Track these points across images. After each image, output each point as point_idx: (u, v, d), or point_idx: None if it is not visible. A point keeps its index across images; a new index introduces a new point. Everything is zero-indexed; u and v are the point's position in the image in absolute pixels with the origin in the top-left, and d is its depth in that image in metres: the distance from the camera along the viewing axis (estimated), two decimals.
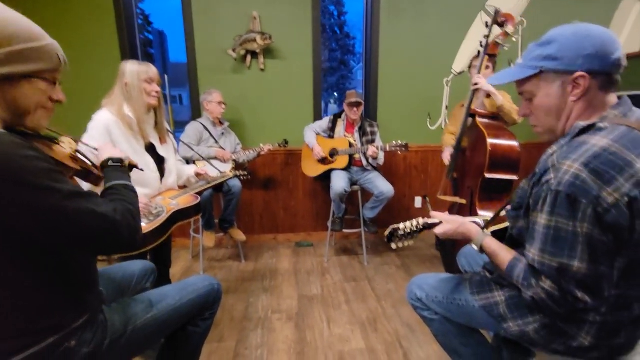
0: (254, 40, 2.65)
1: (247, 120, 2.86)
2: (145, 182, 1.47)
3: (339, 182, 2.40)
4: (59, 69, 0.75)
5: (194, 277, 1.09)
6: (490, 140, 1.86)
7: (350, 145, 2.54)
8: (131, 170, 0.96)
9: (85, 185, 1.04)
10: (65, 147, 0.84)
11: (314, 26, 2.77)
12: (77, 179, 0.90)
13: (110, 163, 0.90)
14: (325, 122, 2.68)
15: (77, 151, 0.88)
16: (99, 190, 0.87)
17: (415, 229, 1.01)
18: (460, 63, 2.89)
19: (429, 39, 2.86)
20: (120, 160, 0.92)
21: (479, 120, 2.00)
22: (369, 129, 2.59)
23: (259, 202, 3.02)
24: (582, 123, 0.77)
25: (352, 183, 2.57)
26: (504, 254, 0.88)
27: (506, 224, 1.01)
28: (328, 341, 1.76)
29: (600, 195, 0.68)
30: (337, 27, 17.37)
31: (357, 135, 2.59)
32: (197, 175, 1.72)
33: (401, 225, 1.01)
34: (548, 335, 0.85)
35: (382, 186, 2.44)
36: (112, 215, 0.70)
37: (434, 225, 1.00)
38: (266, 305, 2.09)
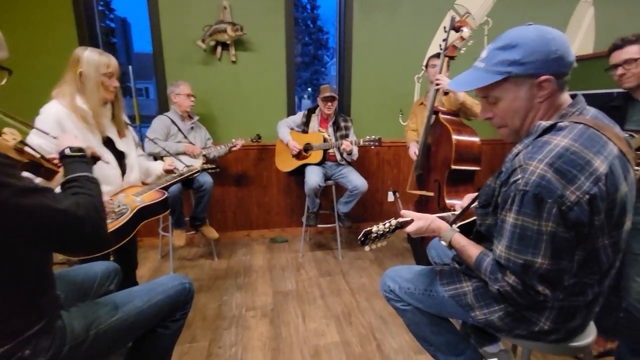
0: (225, 31, 2.57)
1: (219, 114, 2.78)
2: (106, 179, 1.36)
3: (313, 177, 2.40)
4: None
5: (164, 277, 1.05)
6: (455, 136, 1.95)
7: (325, 140, 2.54)
8: (95, 163, 0.89)
9: (37, 181, 0.96)
10: (7, 138, 0.76)
11: (286, 18, 2.72)
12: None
13: (68, 152, 0.82)
14: (299, 116, 2.65)
15: (23, 142, 0.80)
16: (53, 185, 0.81)
17: (387, 230, 1.02)
18: None
19: (401, 35, 2.90)
20: (81, 150, 0.84)
21: (442, 117, 2.08)
22: (342, 124, 2.60)
23: (232, 198, 2.95)
24: (544, 123, 0.80)
25: (326, 178, 2.57)
26: (472, 249, 0.92)
27: (472, 219, 1.05)
28: (303, 336, 1.76)
29: (564, 194, 0.71)
30: (309, 20, 17.22)
31: (331, 130, 2.59)
32: (166, 172, 1.64)
33: (374, 228, 1.02)
34: (511, 322, 0.90)
35: (355, 180, 2.46)
36: (74, 211, 0.65)
37: (406, 223, 1.02)
38: (240, 303, 2.05)
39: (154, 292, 0.95)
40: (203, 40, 2.57)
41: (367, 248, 1.03)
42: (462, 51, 2.08)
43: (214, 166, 1.97)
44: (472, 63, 0.89)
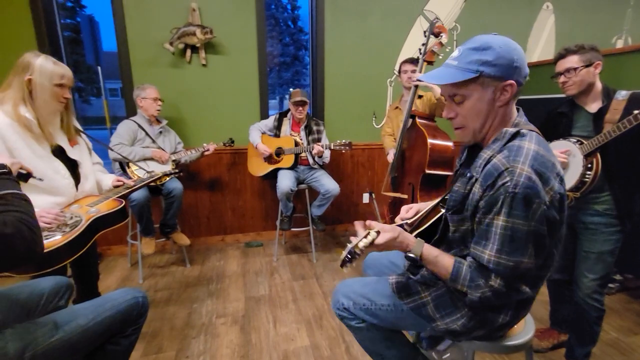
0: (194, 34, 2.53)
1: (189, 118, 2.73)
2: (56, 190, 1.31)
3: (285, 182, 2.39)
4: None
5: (116, 292, 1.02)
6: (430, 140, 1.98)
7: (296, 144, 2.53)
8: (26, 179, 0.85)
9: None
10: None
11: (258, 21, 2.70)
12: None
13: None
14: (270, 120, 2.64)
15: None
16: None
17: (369, 243, 0.89)
18: None
19: (372, 40, 2.93)
20: (3, 167, 0.80)
21: (418, 121, 2.11)
22: (315, 128, 2.60)
23: (205, 203, 2.91)
24: (510, 130, 0.84)
25: (299, 182, 2.57)
26: (446, 259, 0.89)
27: (426, 225, 1.04)
28: (273, 341, 1.76)
29: (544, 194, 0.76)
30: (290, 21, 17.15)
31: (303, 133, 2.59)
32: (115, 187, 1.56)
33: (360, 244, 0.87)
34: (474, 326, 0.92)
35: (327, 184, 2.47)
36: (1, 229, 0.63)
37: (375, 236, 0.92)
38: (211, 310, 2.03)
39: (102, 309, 0.92)
40: (171, 43, 2.52)
41: (345, 270, 0.88)
42: (440, 57, 2.09)
43: (177, 171, 1.92)
44: None
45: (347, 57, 2.91)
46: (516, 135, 0.83)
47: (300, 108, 2.51)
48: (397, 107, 2.45)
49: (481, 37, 0.84)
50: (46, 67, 1.27)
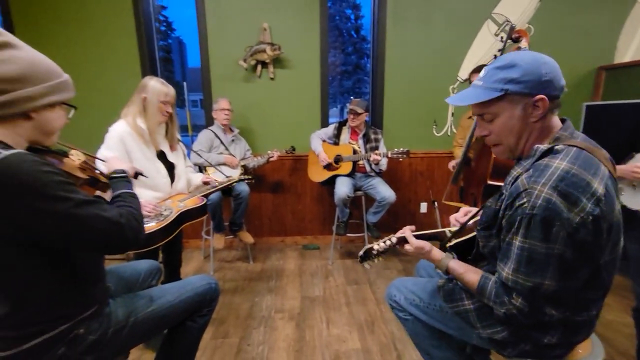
0: (264, 51, 2.78)
1: (257, 127, 2.99)
2: (156, 187, 1.61)
3: (342, 188, 2.48)
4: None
5: (194, 277, 1.20)
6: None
7: (354, 152, 2.61)
8: (137, 178, 1.07)
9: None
10: (74, 159, 0.96)
11: (321, 36, 2.86)
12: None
13: (114, 175, 1.02)
14: (330, 129, 2.76)
15: (86, 162, 1.01)
16: (107, 196, 0.99)
17: (387, 247, 1.05)
18: (466, 70, 2.91)
19: (435, 46, 2.89)
20: (124, 172, 1.03)
21: None
22: (373, 136, 2.66)
23: (268, 205, 3.13)
24: (542, 146, 0.82)
25: (356, 189, 2.64)
26: (471, 276, 0.93)
27: (469, 236, 1.05)
28: (326, 340, 1.84)
29: (569, 216, 0.72)
30: (353, 30, 17.42)
31: (361, 142, 2.66)
32: (204, 183, 1.86)
33: (375, 246, 1.06)
34: (517, 340, 0.90)
35: (384, 192, 2.49)
36: (117, 219, 0.81)
37: (405, 240, 1.05)
38: (270, 305, 2.19)
39: (184, 290, 1.11)
40: (245, 60, 2.80)
41: (366, 265, 1.08)
42: None
43: (249, 177, 2.17)
44: None
45: (408, 64, 2.91)
46: (549, 152, 0.80)
47: (353, 117, 2.58)
48: (470, 117, 2.38)
49: (507, 55, 0.84)
50: (155, 87, 1.60)
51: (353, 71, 17.46)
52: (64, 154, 0.95)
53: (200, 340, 1.22)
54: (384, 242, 1.06)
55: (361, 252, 1.06)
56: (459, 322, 1.02)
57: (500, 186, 1.91)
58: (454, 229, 1.11)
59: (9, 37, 0.76)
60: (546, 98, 0.80)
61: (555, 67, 0.81)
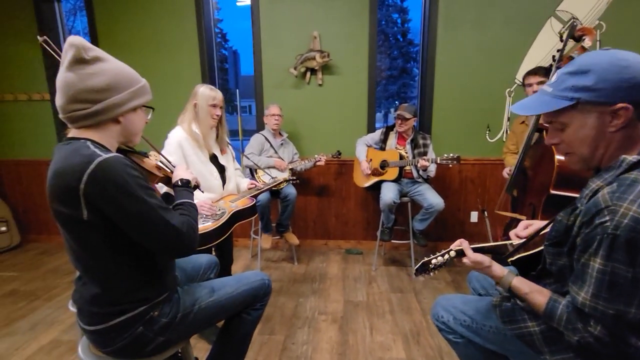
0: (314, 59, 2.86)
1: (304, 131, 3.07)
2: (210, 188, 1.73)
3: (388, 194, 2.46)
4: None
5: (249, 272, 1.28)
6: (559, 157, 1.78)
7: (401, 157, 2.58)
8: (195, 190, 1.16)
9: (166, 189, 1.28)
10: (152, 159, 1.08)
11: (370, 42, 2.88)
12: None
13: (179, 183, 1.11)
14: (377, 134, 2.76)
15: (162, 162, 1.12)
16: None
17: (445, 261, 1.00)
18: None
19: (489, 49, 2.76)
20: (188, 182, 1.12)
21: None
22: (421, 141, 2.60)
23: (313, 208, 3.20)
24: (631, 158, 0.74)
25: (402, 194, 2.60)
26: (537, 297, 0.85)
27: (535, 251, 0.97)
28: (369, 347, 1.83)
29: None
30: (399, 34, 17.16)
31: (408, 147, 2.62)
32: (249, 188, 1.95)
33: (433, 260, 1.01)
34: None
35: (431, 198, 2.43)
36: (180, 228, 0.91)
37: (464, 253, 0.98)
38: (314, 306, 2.23)
39: (241, 284, 1.18)
40: (295, 68, 2.91)
41: (420, 278, 1.03)
42: None
43: (294, 178, 2.23)
44: None
45: (460, 67, 2.82)
46: (637, 165, 0.72)
47: (400, 122, 2.55)
48: (523, 122, 2.25)
49: (581, 57, 0.76)
50: (204, 93, 1.72)
51: (399, 75, 17.17)
52: (144, 154, 1.08)
53: (253, 332, 1.29)
54: (442, 255, 1.00)
55: (417, 265, 1.01)
56: (519, 346, 0.94)
57: (566, 196, 1.81)
58: (515, 242, 1.04)
59: (97, 51, 0.88)
60: (630, 106, 0.72)
61: None
